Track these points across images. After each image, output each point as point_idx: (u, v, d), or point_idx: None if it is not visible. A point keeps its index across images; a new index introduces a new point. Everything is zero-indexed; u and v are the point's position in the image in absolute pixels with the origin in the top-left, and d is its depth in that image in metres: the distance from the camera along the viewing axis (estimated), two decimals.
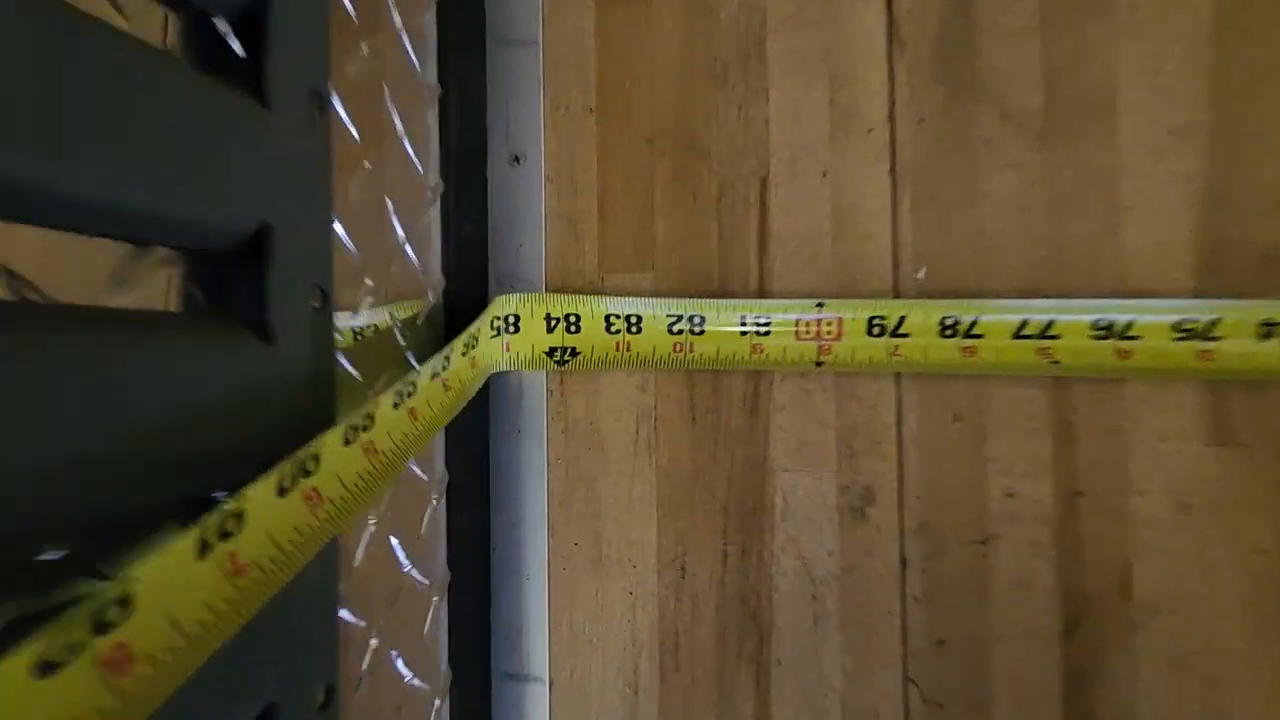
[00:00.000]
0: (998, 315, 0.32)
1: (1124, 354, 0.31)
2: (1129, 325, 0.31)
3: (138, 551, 0.19)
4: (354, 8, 0.26)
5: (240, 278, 0.20)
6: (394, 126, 0.29)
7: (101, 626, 0.13)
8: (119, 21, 0.17)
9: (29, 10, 0.13)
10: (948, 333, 0.32)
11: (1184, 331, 0.30)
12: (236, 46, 0.20)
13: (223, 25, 0.20)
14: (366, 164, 0.27)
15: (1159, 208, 0.31)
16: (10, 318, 0.14)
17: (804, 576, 0.34)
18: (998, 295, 0.32)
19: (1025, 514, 0.32)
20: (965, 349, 0.32)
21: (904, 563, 0.33)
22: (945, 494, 0.33)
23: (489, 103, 0.37)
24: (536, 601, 0.37)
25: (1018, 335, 0.32)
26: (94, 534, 0.16)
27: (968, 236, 0.33)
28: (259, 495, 0.18)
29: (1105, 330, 0.31)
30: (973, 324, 0.32)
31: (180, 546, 0.16)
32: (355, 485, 0.22)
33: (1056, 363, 0.31)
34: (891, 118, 0.34)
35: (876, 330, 0.33)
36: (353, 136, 0.26)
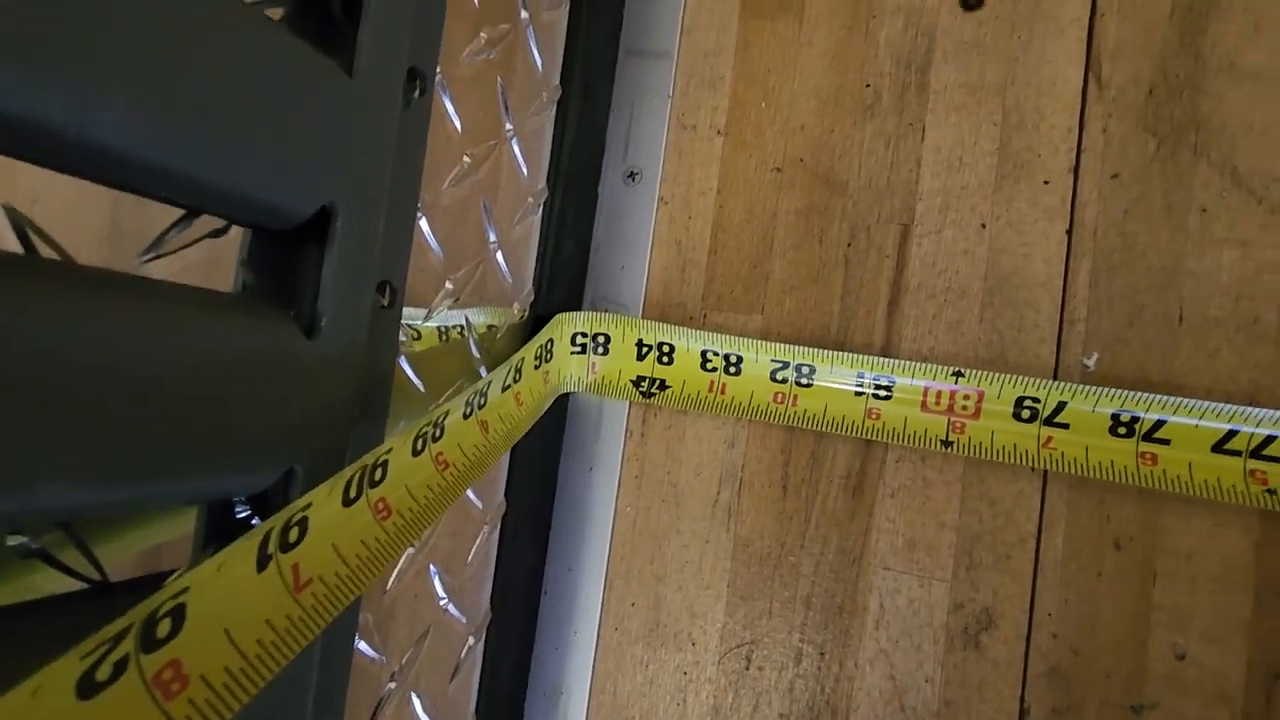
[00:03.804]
0: (1195, 419, 0.25)
1: None
2: None
3: (128, 539, 0.17)
4: None
5: (292, 263, 0.17)
6: (503, 123, 0.27)
7: (152, 643, 0.11)
8: None
9: None
10: (1121, 430, 0.26)
11: None
12: (336, 8, 0.18)
13: None
14: (466, 158, 0.25)
15: None
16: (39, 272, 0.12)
17: (893, 702, 0.28)
18: (1194, 398, 0.26)
19: (1200, 686, 0.25)
20: (1144, 455, 0.26)
21: (1024, 713, 0.26)
22: (1091, 638, 0.26)
23: (612, 113, 0.34)
24: (581, 660, 0.33)
25: (1219, 448, 0.25)
26: (69, 526, 0.14)
27: (1161, 322, 0.26)
28: (323, 503, 0.16)
29: None
30: (1157, 425, 0.25)
31: (237, 554, 0.14)
32: (424, 498, 0.19)
33: (1274, 492, 0.24)
34: (1076, 169, 0.28)
35: (1027, 414, 0.27)
36: (455, 126, 0.24)
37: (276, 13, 0.17)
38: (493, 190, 0.28)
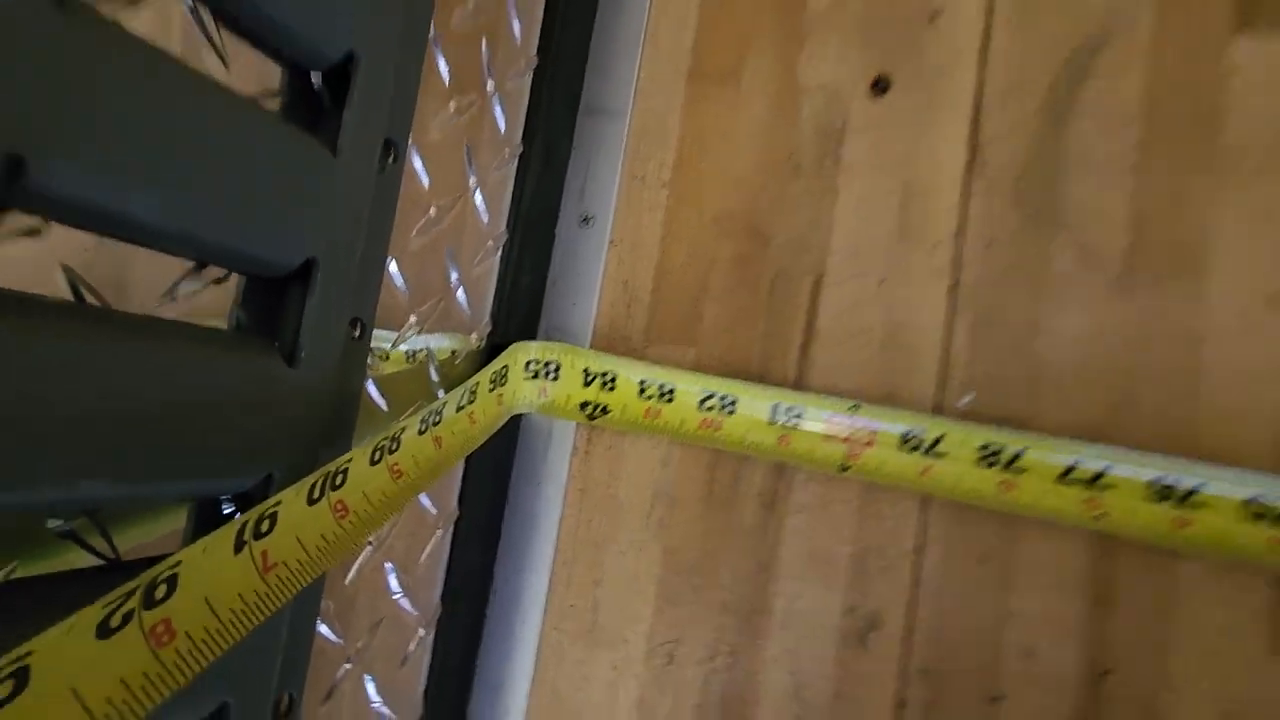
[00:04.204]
0: (1046, 453, 0.30)
1: (1182, 523, 0.28)
2: (1193, 492, 0.28)
3: (138, 530, 0.21)
4: (448, 70, 0.28)
5: (279, 304, 0.21)
6: (468, 177, 0.31)
7: (151, 602, 0.15)
8: (220, 70, 0.19)
9: (138, 69, 0.15)
10: (987, 461, 0.30)
11: (1257, 512, 0.27)
12: (325, 97, 0.22)
13: (316, 79, 0.22)
14: (433, 210, 0.29)
15: (1245, 376, 0.28)
16: (66, 313, 0.16)
17: (791, 695, 0.32)
18: (1051, 436, 0.30)
19: (1043, 679, 0.29)
20: (1003, 483, 0.30)
21: (901, 704, 0.31)
22: (958, 639, 0.30)
23: (570, 164, 0.39)
24: (524, 655, 0.37)
25: (1064, 478, 0.29)
26: (94, 514, 0.18)
27: (1024, 370, 0.31)
28: (291, 501, 0.19)
29: (1165, 492, 0.28)
30: (1016, 456, 0.30)
31: (219, 539, 0.17)
32: (378, 501, 0.23)
33: (1103, 517, 0.29)
34: (960, 236, 0.33)
35: (911, 445, 0.31)
36: (423, 183, 0.28)
37: (276, 102, 0.21)
38: (457, 236, 0.32)
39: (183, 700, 0.19)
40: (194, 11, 0.18)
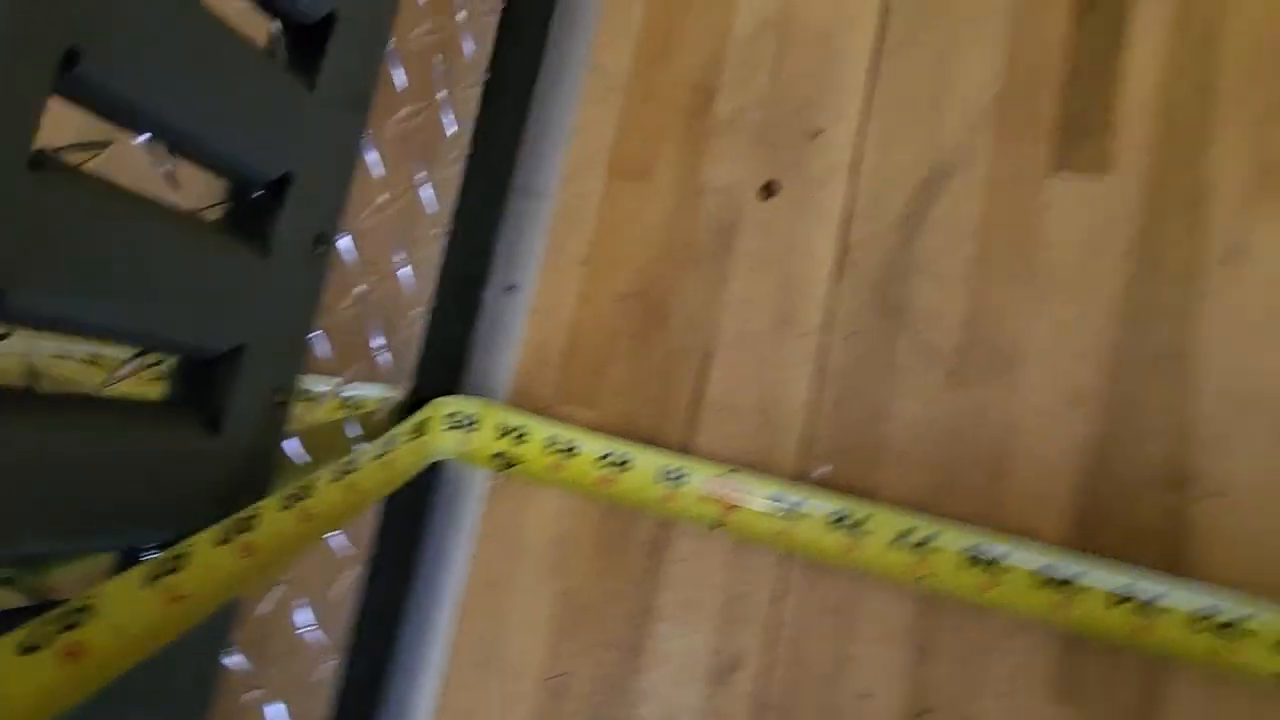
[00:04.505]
0: (884, 520, 0.34)
1: (987, 587, 0.33)
2: (995, 561, 0.33)
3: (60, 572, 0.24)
4: (383, 163, 0.33)
5: (208, 381, 0.25)
6: (397, 253, 0.35)
7: (67, 627, 0.18)
8: (172, 196, 0.23)
9: (101, 211, 0.19)
10: (836, 524, 0.35)
11: (1045, 580, 0.32)
12: (262, 206, 0.26)
13: (256, 192, 0.26)
14: (364, 286, 0.33)
15: (1046, 463, 0.34)
16: (20, 402, 0.20)
17: None
18: (890, 506, 0.35)
19: (874, 716, 0.33)
20: (849, 545, 0.35)
21: None
22: (806, 680, 0.35)
23: (499, 237, 0.43)
24: (429, 682, 0.40)
25: (898, 541, 0.34)
26: (30, 560, 0.21)
27: (872, 448, 0.36)
28: (202, 542, 0.23)
29: (974, 559, 0.33)
30: (860, 521, 0.35)
31: (133, 575, 0.21)
32: (289, 542, 0.26)
33: (926, 578, 0.34)
34: (827, 327, 0.38)
35: (775, 507, 0.36)
36: (355, 259, 0.32)
37: (218, 211, 0.25)
38: (387, 307, 0.36)
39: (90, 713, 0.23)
40: (151, 144, 0.22)
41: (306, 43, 0.26)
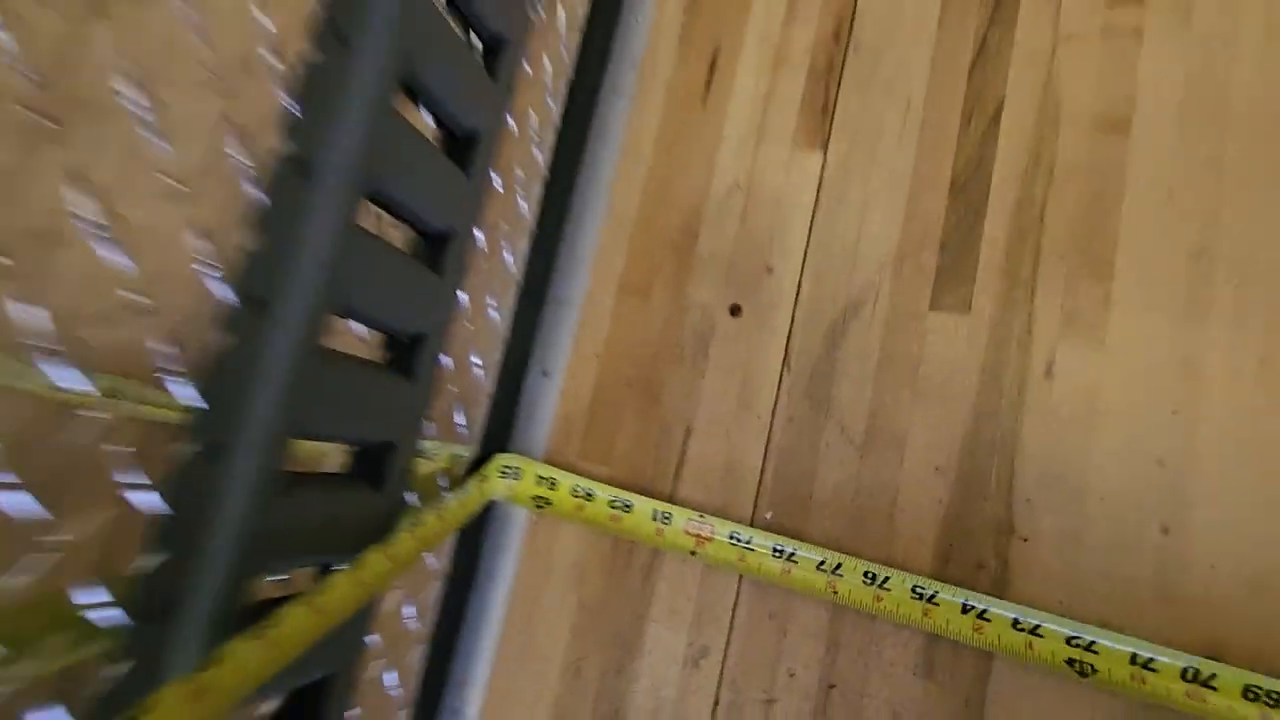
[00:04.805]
0: (809, 553, 0.49)
1: (879, 598, 0.48)
2: (886, 580, 0.48)
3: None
4: (469, 300, 0.48)
5: (376, 460, 0.40)
6: (472, 361, 0.51)
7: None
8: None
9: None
10: (776, 555, 0.50)
11: (916, 595, 0.47)
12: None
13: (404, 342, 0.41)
14: (454, 386, 0.49)
15: (919, 515, 0.49)
16: (283, 478, 0.35)
17: (649, 695, 0.51)
18: (814, 543, 0.50)
19: (797, 690, 0.48)
20: (785, 569, 0.50)
21: (716, 703, 0.50)
22: (753, 663, 0.50)
23: (535, 337, 0.59)
24: (482, 661, 0.55)
25: (818, 568, 0.49)
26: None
27: (803, 501, 0.51)
28: (239, 647, 0.27)
29: (870, 580, 0.48)
30: (792, 553, 0.50)
31: (176, 689, 0.23)
32: (408, 557, 0.41)
33: (836, 593, 0.48)
34: (774, 412, 0.53)
35: (734, 541, 0.51)
36: (447, 369, 0.47)
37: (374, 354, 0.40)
38: (466, 395, 0.51)
39: (298, 668, 0.37)
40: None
41: (434, 245, 0.41)
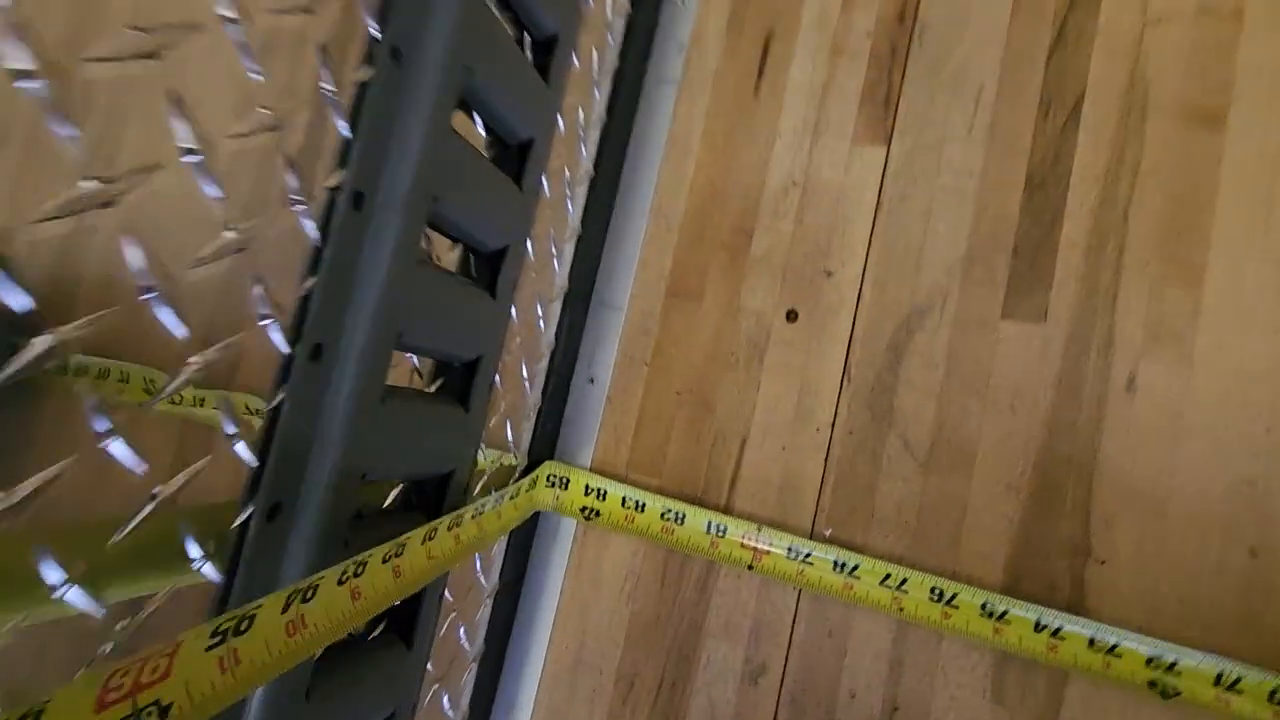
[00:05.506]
0: (872, 565, 0.48)
1: (946, 615, 0.46)
2: (954, 596, 0.46)
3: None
4: (516, 313, 0.46)
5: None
6: (522, 372, 0.49)
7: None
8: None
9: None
10: (837, 569, 0.48)
11: (986, 613, 0.46)
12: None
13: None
14: (504, 402, 0.47)
15: (988, 532, 0.47)
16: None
17: (708, 714, 0.50)
18: (876, 557, 0.49)
19: (860, 712, 0.47)
20: (847, 584, 0.48)
21: None
22: (812, 683, 0.48)
23: (582, 342, 0.57)
24: (530, 677, 0.54)
25: (882, 583, 0.48)
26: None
27: (865, 516, 0.49)
28: (267, 607, 0.23)
29: (937, 596, 0.47)
30: (855, 567, 0.48)
31: (198, 635, 0.21)
32: (448, 558, 0.40)
33: (902, 610, 0.47)
34: (834, 424, 0.51)
35: (792, 555, 0.49)
36: (497, 386, 0.45)
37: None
38: (515, 409, 0.50)
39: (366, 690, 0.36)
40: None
41: (487, 265, 0.39)
